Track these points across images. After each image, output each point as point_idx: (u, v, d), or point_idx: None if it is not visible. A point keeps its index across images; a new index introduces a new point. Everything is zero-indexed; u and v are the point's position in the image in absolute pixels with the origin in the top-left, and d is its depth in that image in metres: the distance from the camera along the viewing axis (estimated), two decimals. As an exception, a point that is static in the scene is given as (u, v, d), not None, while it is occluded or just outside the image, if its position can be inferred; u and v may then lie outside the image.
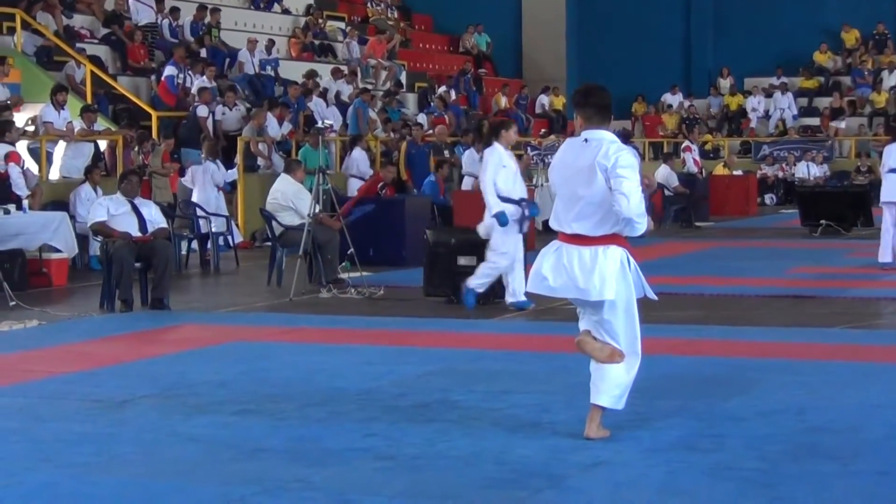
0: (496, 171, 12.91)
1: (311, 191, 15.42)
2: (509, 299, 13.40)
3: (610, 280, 7.20)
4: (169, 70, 24.09)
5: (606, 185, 7.15)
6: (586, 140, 7.34)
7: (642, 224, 7.22)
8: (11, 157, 17.26)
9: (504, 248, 13.03)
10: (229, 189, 20.58)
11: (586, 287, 7.22)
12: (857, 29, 39.03)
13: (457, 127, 28.75)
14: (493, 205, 12.86)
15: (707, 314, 13.00)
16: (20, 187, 16.93)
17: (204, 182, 19.62)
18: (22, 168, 17.23)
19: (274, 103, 24.26)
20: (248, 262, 18.87)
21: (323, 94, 27.16)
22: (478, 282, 13.23)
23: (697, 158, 29.36)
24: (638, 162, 7.36)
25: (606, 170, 7.16)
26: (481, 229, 13.16)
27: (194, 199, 19.35)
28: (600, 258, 7.22)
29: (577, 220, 7.27)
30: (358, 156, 23.28)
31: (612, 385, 7.39)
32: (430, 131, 26.78)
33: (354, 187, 21.81)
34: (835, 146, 35.71)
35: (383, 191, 19.59)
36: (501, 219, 12.84)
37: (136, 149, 18.86)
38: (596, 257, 7.22)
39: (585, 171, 7.24)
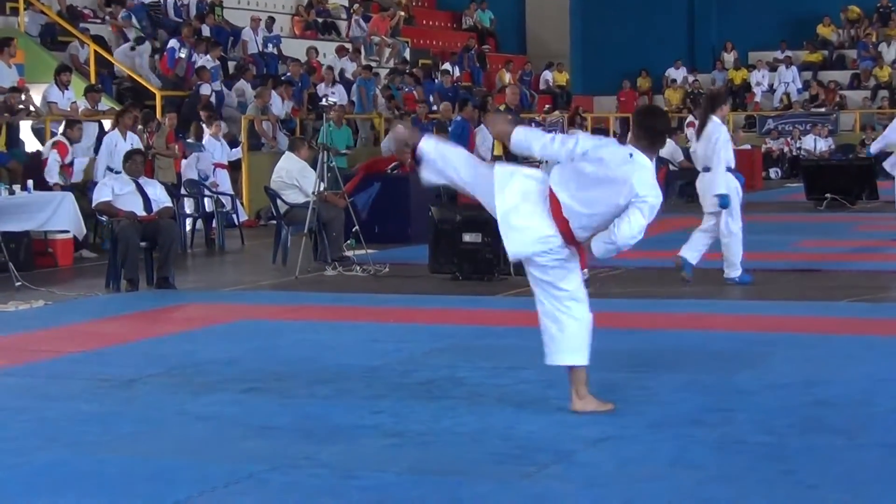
0: (727, 146, 13.00)
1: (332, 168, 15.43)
2: (733, 274, 13.37)
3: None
4: (172, 44, 24.05)
5: (619, 208, 7.18)
6: (631, 155, 7.24)
7: (610, 254, 7.38)
8: (59, 146, 17.45)
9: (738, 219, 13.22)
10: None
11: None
12: (856, 6, 38.92)
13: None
14: (722, 185, 12.98)
15: (713, 289, 12.99)
16: (53, 175, 17.10)
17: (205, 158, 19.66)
18: (63, 161, 17.34)
19: (278, 81, 24.23)
20: (253, 240, 18.88)
21: (330, 70, 27.08)
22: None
23: (697, 132, 29.26)
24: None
25: (635, 195, 7.17)
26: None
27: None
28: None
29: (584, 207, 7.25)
30: None
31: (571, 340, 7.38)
32: (436, 108, 26.73)
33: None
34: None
35: (396, 171, 19.53)
36: (724, 201, 13.00)
37: (141, 128, 18.85)
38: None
39: (617, 185, 7.19)
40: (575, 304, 7.38)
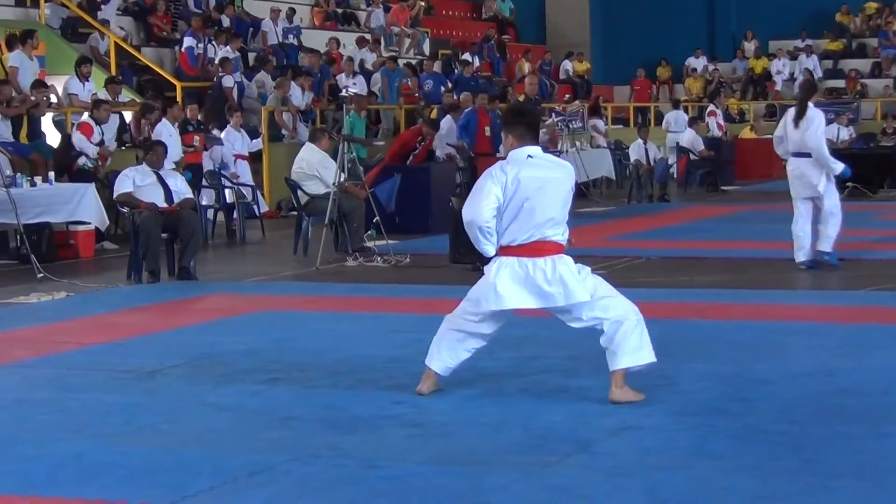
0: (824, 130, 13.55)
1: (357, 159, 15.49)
2: (827, 248, 13.65)
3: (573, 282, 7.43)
4: (188, 41, 24.05)
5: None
6: (530, 156, 7.52)
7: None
8: (83, 127, 17.58)
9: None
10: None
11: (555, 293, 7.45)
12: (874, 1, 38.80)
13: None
14: (833, 161, 13.44)
15: (734, 278, 12.98)
16: (87, 149, 17.41)
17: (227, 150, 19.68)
18: (91, 140, 17.56)
19: (297, 72, 24.23)
20: (274, 231, 18.90)
21: (350, 62, 27.04)
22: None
23: (721, 123, 29.22)
24: None
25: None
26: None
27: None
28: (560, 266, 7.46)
29: (550, 228, 7.46)
30: (448, 125, 22.76)
31: (629, 348, 7.45)
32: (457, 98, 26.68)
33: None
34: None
35: (422, 143, 19.48)
36: (846, 172, 13.65)
37: (142, 121, 18.94)
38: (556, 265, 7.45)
39: (562, 184, 7.53)
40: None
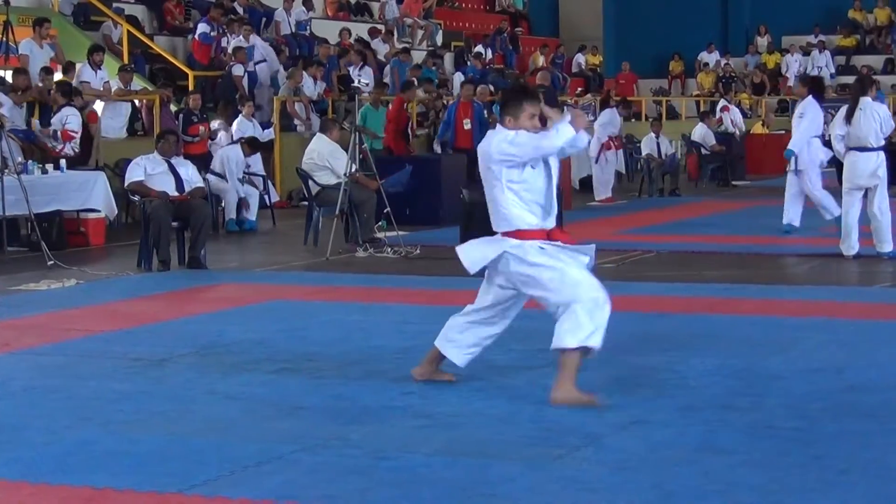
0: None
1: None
2: (887, 248, 13.87)
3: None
4: (202, 28, 24.06)
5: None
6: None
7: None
8: (90, 117, 17.85)
9: None
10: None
11: None
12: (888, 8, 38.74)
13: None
14: None
15: (744, 273, 12.96)
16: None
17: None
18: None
19: (308, 62, 24.23)
20: (284, 221, 18.91)
21: (362, 55, 27.01)
22: None
23: (735, 119, 29.13)
24: None
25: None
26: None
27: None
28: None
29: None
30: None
31: (574, 325, 7.21)
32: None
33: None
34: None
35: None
36: None
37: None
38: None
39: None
40: None
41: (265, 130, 21.01)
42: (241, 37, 24.16)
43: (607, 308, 7.22)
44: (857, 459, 6.14)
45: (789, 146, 16.18)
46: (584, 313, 7.15)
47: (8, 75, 18.58)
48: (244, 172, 18.61)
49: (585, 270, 7.35)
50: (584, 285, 7.23)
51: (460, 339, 7.77)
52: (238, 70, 22.86)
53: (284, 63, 24.57)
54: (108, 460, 6.29)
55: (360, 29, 29.38)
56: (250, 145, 18.74)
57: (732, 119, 28.82)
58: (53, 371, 8.56)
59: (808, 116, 16.08)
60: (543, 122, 7.44)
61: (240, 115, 20.26)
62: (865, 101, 13.72)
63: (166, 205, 13.55)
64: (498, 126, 7.50)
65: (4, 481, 5.98)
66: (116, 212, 16.56)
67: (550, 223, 7.44)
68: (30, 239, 14.99)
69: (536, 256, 7.31)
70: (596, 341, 7.18)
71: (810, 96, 16.30)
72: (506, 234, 7.41)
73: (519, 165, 7.32)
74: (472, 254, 7.56)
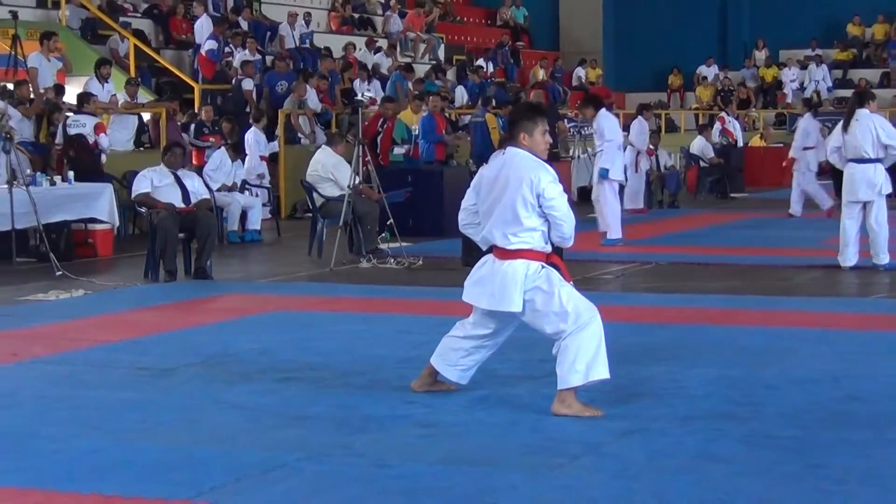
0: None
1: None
2: (884, 260, 13.95)
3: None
4: (209, 44, 24.12)
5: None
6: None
7: None
8: (99, 127, 17.93)
9: None
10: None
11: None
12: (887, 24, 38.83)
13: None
14: None
15: (743, 284, 13.03)
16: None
17: (254, 152, 19.72)
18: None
19: (310, 75, 24.30)
20: (289, 232, 18.98)
21: (364, 68, 27.10)
22: None
23: (731, 130, 29.15)
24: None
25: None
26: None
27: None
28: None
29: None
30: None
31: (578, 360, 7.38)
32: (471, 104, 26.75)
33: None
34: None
35: (384, 126, 19.56)
36: None
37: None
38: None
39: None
40: None
41: (269, 143, 21.07)
42: (247, 50, 24.26)
43: (600, 332, 7.38)
44: (854, 469, 6.21)
45: None
46: (575, 350, 7.38)
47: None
48: (246, 183, 18.69)
49: (577, 293, 7.50)
50: (580, 310, 7.39)
51: (454, 358, 7.88)
52: (248, 84, 22.93)
53: (288, 76, 24.63)
54: (115, 468, 6.36)
55: (363, 43, 29.44)
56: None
57: (729, 130, 28.84)
58: (61, 380, 8.63)
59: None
60: (554, 138, 7.59)
61: (253, 128, 20.13)
62: (862, 112, 13.81)
63: (173, 216, 13.64)
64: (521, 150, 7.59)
65: (14, 489, 6.06)
66: (118, 223, 16.63)
67: (549, 247, 7.60)
68: (38, 250, 15.07)
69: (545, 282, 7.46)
70: (600, 373, 7.36)
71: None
72: (516, 251, 7.51)
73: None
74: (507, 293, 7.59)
